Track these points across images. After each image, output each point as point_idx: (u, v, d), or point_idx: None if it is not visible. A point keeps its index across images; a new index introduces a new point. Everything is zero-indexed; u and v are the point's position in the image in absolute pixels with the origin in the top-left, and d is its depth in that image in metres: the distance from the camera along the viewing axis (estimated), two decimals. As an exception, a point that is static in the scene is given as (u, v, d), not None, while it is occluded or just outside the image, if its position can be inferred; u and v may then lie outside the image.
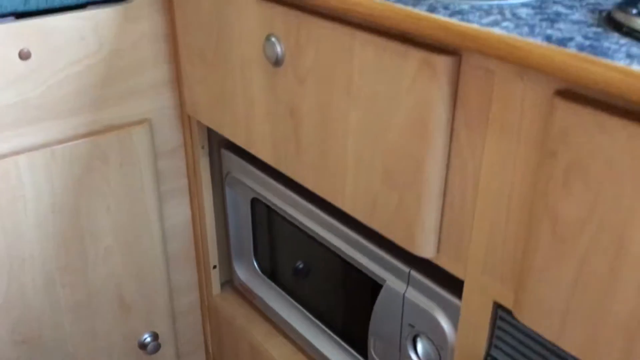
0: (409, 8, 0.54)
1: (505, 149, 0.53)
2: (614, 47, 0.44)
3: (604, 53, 0.43)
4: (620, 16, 0.48)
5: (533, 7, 0.54)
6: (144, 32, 0.92)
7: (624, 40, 0.46)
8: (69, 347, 1.03)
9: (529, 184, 0.52)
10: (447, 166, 0.59)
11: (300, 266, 0.97)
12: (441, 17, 0.52)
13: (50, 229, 0.93)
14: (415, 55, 0.56)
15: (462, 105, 0.56)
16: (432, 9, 0.54)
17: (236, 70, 0.81)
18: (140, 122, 0.97)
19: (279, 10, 0.70)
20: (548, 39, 0.47)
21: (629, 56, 0.43)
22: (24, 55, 0.83)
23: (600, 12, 0.53)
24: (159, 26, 0.93)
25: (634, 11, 0.48)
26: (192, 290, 1.17)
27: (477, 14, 0.53)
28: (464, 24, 0.50)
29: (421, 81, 0.56)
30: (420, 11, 0.53)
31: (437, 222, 0.62)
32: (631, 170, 0.43)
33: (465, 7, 0.54)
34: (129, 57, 0.92)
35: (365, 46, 0.61)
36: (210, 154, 1.05)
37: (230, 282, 1.18)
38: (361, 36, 0.61)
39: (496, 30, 0.48)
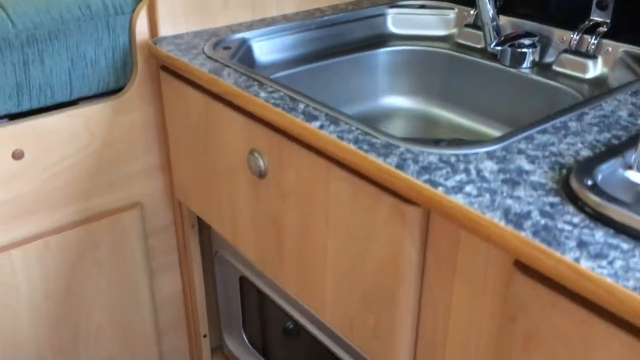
0: (380, 161, 0.57)
1: (471, 299, 0.56)
2: (567, 229, 0.47)
3: (557, 239, 0.46)
4: (576, 186, 0.51)
5: (497, 160, 0.57)
6: (135, 123, 0.95)
7: (577, 219, 0.49)
8: (63, 420, 1.05)
9: (494, 337, 0.55)
10: (420, 301, 0.62)
11: (289, 345, 1.00)
12: (409, 177, 0.54)
13: (44, 313, 0.96)
14: (387, 201, 0.59)
15: (432, 249, 0.59)
16: (402, 161, 0.57)
17: (222, 174, 0.83)
18: (131, 206, 0.99)
19: (262, 129, 0.73)
20: (507, 213, 0.49)
21: (580, 245, 0.45)
22: (17, 155, 0.86)
23: (561, 169, 0.56)
24: (149, 116, 0.96)
25: (589, 182, 0.51)
26: (184, 356, 1.20)
27: (444, 170, 0.55)
28: (430, 189, 0.53)
29: (393, 223, 0.59)
30: (390, 166, 0.56)
31: (412, 350, 0.64)
32: (584, 351, 0.46)
33: (434, 159, 0.57)
34: (120, 147, 0.95)
35: (340, 181, 0.63)
36: (201, 231, 1.07)
37: (221, 347, 1.21)
38: (336, 171, 0.63)
39: (459, 200, 0.51)
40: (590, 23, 0.90)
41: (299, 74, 0.96)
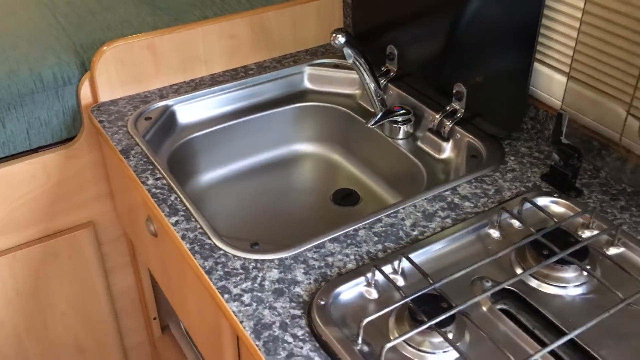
0: (199, 263, 0.80)
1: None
2: (288, 341, 0.70)
3: (276, 350, 0.69)
4: (314, 303, 0.73)
5: (282, 269, 0.79)
6: (84, 164, 1.19)
7: (302, 332, 0.71)
8: (38, 379, 1.36)
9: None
10: None
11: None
12: (211, 284, 0.77)
13: (16, 305, 1.24)
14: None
15: (239, 323, 0.82)
16: (215, 264, 0.79)
17: (140, 220, 1.07)
18: (85, 225, 1.25)
19: (151, 206, 0.96)
20: (257, 323, 0.72)
21: (289, 356, 0.68)
22: (-12, 194, 1.12)
23: (322, 282, 0.77)
24: (97, 158, 1.20)
25: (321, 301, 0.73)
26: (141, 332, 1.49)
27: (239, 277, 0.78)
28: (219, 296, 0.76)
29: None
30: (203, 271, 0.79)
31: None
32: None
33: (238, 265, 0.79)
34: (73, 182, 1.20)
35: (186, 269, 0.87)
36: (146, 241, 1.33)
37: (169, 326, 1.49)
38: (186, 259, 0.86)
39: (234, 308, 0.74)
40: (450, 109, 1.08)
41: (217, 131, 1.17)
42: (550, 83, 0.98)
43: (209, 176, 1.18)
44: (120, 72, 1.13)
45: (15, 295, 1.23)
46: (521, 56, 0.94)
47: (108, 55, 1.11)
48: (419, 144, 1.11)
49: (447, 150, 1.07)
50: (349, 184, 1.19)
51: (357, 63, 1.06)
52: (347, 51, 1.04)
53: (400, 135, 1.13)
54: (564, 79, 0.96)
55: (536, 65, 0.99)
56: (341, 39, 1.01)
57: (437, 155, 1.08)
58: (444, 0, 1.03)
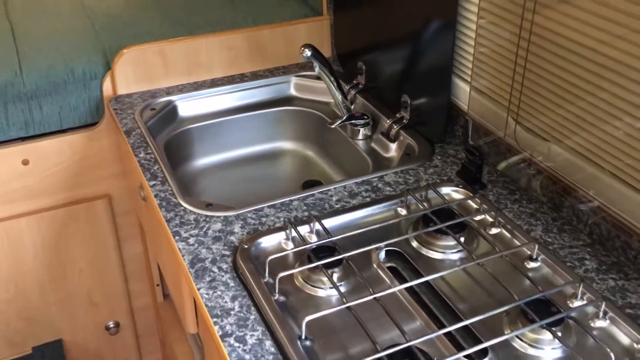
0: (162, 214, 1.03)
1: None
2: (215, 272, 0.92)
3: (202, 276, 0.91)
4: (239, 247, 0.95)
5: (224, 223, 1.02)
6: (103, 145, 1.46)
7: (226, 265, 0.93)
8: (56, 324, 1.62)
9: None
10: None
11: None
12: (167, 228, 1.01)
13: (42, 258, 1.51)
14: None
15: (191, 265, 1.05)
16: (175, 216, 1.03)
17: (136, 196, 1.32)
18: (102, 197, 1.52)
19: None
20: (196, 256, 0.95)
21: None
22: (25, 163, 1.40)
23: (250, 234, 0.99)
24: (113, 141, 1.46)
25: (246, 246, 0.95)
26: (147, 296, 1.74)
27: (190, 226, 1.01)
28: (171, 236, 0.99)
29: (176, 248, 1.06)
30: (165, 219, 1.02)
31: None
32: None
33: (191, 218, 1.03)
34: (93, 160, 1.46)
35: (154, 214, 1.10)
36: (153, 216, 1.58)
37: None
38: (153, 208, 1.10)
39: (179, 245, 0.97)
40: (399, 116, 1.29)
41: (212, 125, 1.42)
42: (465, 95, 1.18)
43: (201, 162, 1.42)
44: (135, 72, 1.40)
45: (41, 249, 1.50)
46: (443, 76, 1.15)
47: (126, 57, 1.37)
48: (373, 144, 1.32)
49: (392, 150, 1.28)
50: (318, 175, 1.41)
51: (323, 72, 1.29)
52: (315, 62, 1.27)
53: (360, 137, 1.34)
54: (468, 89, 1.16)
55: (459, 82, 1.20)
56: (307, 52, 1.24)
57: (384, 154, 1.29)
58: (396, 34, 1.25)
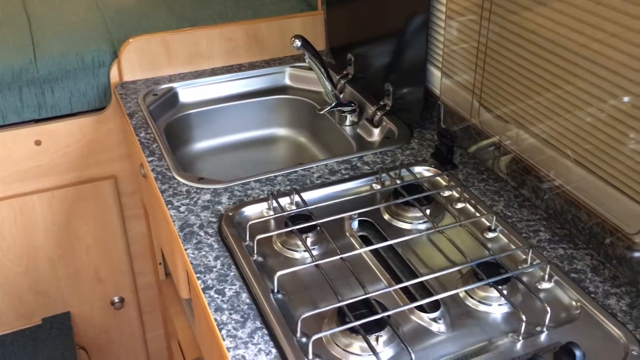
0: (157, 186, 1.14)
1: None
2: (201, 235, 1.02)
3: (191, 239, 1.01)
4: (224, 215, 1.05)
5: (212, 195, 1.12)
6: (110, 129, 1.57)
7: (211, 230, 1.03)
8: (65, 298, 1.73)
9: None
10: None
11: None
12: (160, 196, 1.11)
13: (52, 234, 1.62)
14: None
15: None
16: (169, 188, 1.13)
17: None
18: (109, 177, 1.62)
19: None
20: (186, 221, 1.05)
21: (195, 237, 1.00)
22: (37, 143, 1.51)
23: (236, 204, 1.09)
24: (119, 125, 1.57)
25: (230, 213, 1.05)
26: (150, 275, 1.84)
27: (183, 196, 1.11)
28: (164, 204, 1.09)
29: (170, 217, 1.16)
30: (160, 191, 1.13)
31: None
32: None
33: (183, 190, 1.13)
34: (101, 142, 1.57)
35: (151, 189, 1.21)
36: (156, 197, 1.68)
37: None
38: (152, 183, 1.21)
39: (171, 212, 1.07)
40: (383, 104, 1.38)
41: (210, 111, 1.52)
42: (438, 81, 1.27)
43: (199, 145, 1.52)
44: (140, 60, 1.51)
45: (51, 225, 1.61)
46: (419, 66, 1.24)
47: (131, 46, 1.48)
48: (358, 130, 1.41)
49: (375, 135, 1.37)
50: (309, 159, 1.51)
51: (312, 62, 1.38)
52: (305, 52, 1.36)
53: (347, 123, 1.44)
54: (439, 74, 1.25)
55: (435, 71, 1.29)
56: (297, 43, 1.34)
57: (368, 139, 1.38)
58: (381, 29, 1.35)
